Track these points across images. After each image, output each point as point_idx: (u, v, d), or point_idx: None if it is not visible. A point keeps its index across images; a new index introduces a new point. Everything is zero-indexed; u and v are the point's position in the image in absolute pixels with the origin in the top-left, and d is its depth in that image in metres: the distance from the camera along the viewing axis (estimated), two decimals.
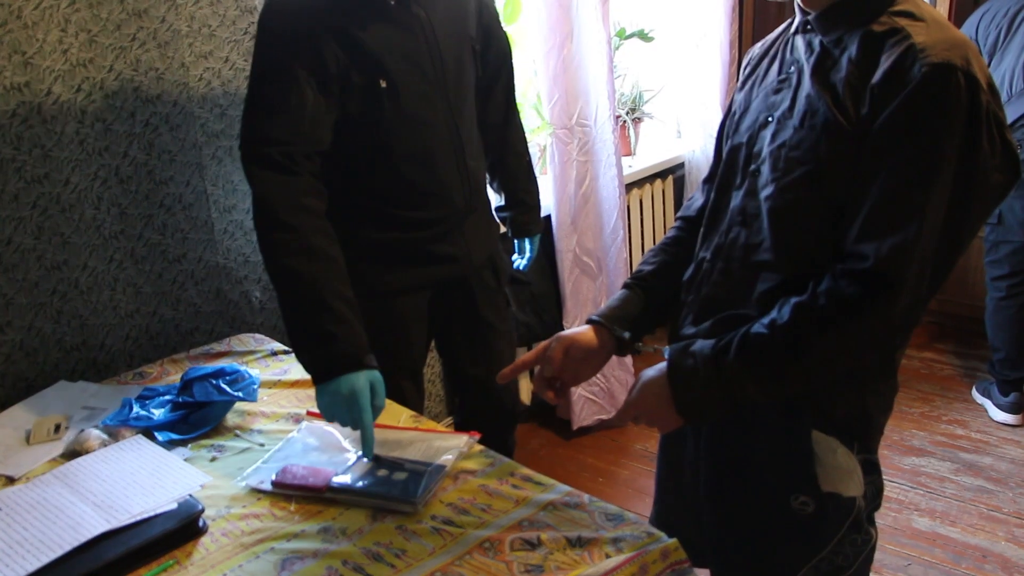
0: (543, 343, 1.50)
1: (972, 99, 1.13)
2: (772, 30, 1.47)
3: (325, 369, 1.57)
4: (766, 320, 1.23)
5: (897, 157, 1.14)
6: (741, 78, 1.46)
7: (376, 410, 1.59)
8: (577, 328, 1.50)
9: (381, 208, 1.87)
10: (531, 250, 2.36)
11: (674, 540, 1.33)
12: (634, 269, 1.60)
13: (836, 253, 1.21)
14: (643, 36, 3.55)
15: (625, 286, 1.55)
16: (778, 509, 1.35)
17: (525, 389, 3.24)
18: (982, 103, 1.13)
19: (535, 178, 2.30)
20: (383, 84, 1.73)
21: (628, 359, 3.26)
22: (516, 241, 2.35)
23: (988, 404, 3.28)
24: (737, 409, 1.26)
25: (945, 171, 1.13)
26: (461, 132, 1.88)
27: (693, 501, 1.51)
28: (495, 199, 2.28)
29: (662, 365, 1.32)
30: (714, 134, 3.48)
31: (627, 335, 1.48)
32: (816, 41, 1.26)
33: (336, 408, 1.56)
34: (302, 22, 1.67)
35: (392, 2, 1.73)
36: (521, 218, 2.29)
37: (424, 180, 1.85)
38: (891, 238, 1.14)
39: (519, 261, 2.38)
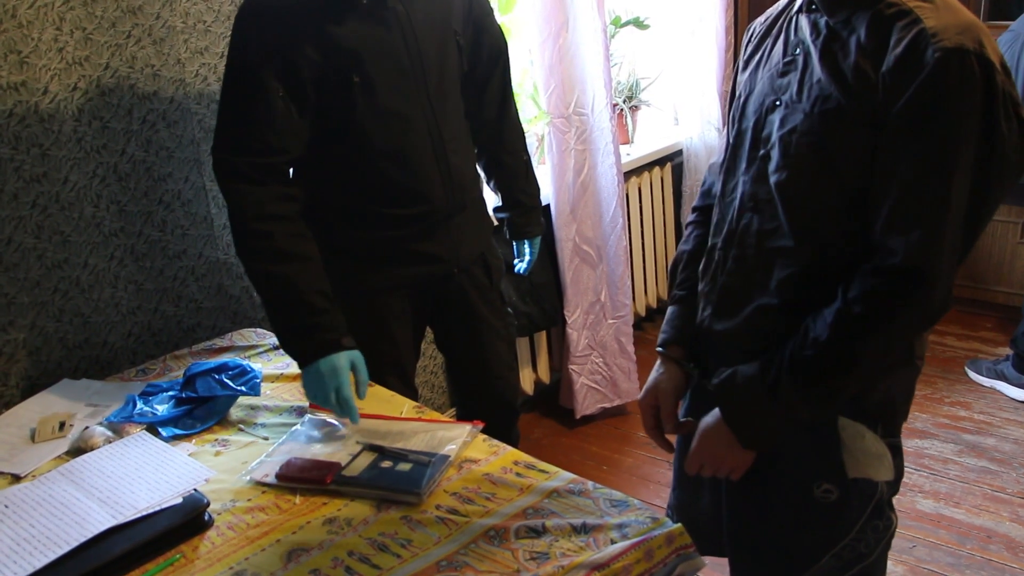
0: (646, 401, 1.52)
1: (987, 82, 1.12)
2: (771, 4, 1.44)
3: (309, 355, 1.67)
4: (807, 340, 1.22)
5: (916, 146, 1.14)
6: (744, 57, 1.44)
7: (360, 384, 1.68)
8: (660, 373, 1.51)
9: (360, 205, 1.86)
10: (531, 253, 2.31)
11: (679, 525, 1.34)
12: (671, 272, 1.59)
13: (854, 237, 1.21)
14: (638, 24, 3.54)
15: (677, 300, 1.55)
16: (801, 497, 1.35)
17: (527, 379, 3.24)
18: (997, 85, 1.12)
19: (534, 178, 2.25)
20: (356, 79, 1.72)
21: (630, 347, 3.27)
22: (515, 244, 2.31)
23: (1000, 384, 3.26)
24: (794, 428, 1.28)
25: (966, 157, 1.13)
26: (442, 128, 1.85)
27: (712, 490, 1.51)
28: (493, 199, 2.26)
29: (716, 411, 1.34)
30: (712, 120, 3.45)
31: (697, 372, 1.49)
32: (822, 22, 1.24)
33: (318, 386, 1.65)
34: (276, 25, 1.66)
35: (364, 3, 1.70)
36: (519, 220, 2.24)
37: (401, 177, 1.84)
38: (918, 229, 1.14)
39: (519, 265, 2.33)
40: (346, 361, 1.67)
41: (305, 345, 1.68)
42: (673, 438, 1.54)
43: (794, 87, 1.26)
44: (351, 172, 1.83)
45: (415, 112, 1.81)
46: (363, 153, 1.80)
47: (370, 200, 1.85)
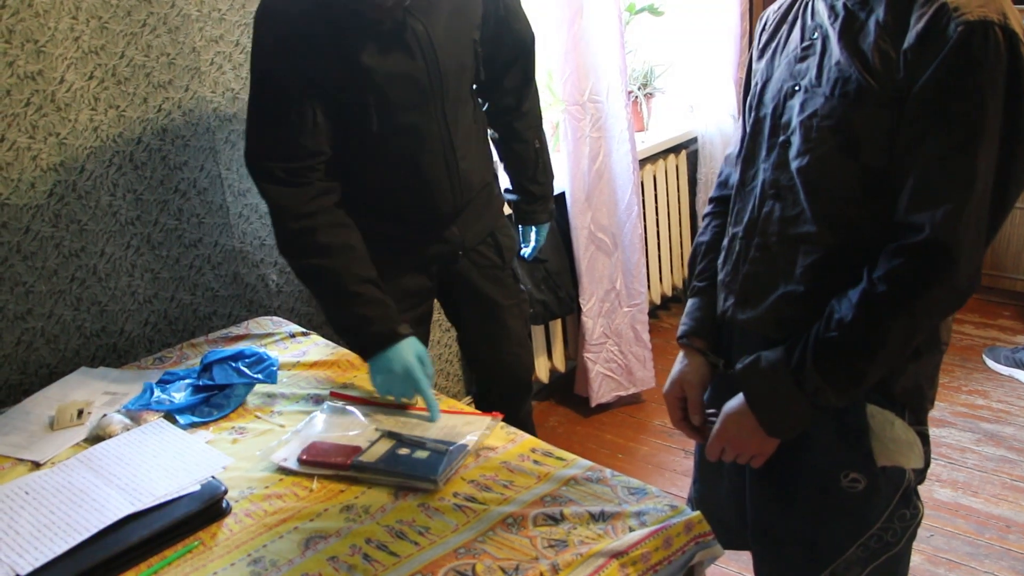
0: (672, 393, 1.51)
1: (1013, 54, 1.10)
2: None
3: (369, 348, 1.72)
4: (832, 321, 1.21)
5: (941, 122, 1.12)
6: (759, 45, 1.42)
7: (428, 377, 1.71)
8: (684, 365, 1.50)
9: (369, 202, 1.89)
10: (536, 239, 2.31)
11: (697, 513, 1.33)
12: (690, 263, 1.58)
13: (878, 220, 1.19)
14: (653, 11, 3.52)
15: (697, 292, 1.53)
16: (827, 487, 1.34)
17: (542, 367, 3.24)
18: (1023, 56, 1.10)
19: (547, 168, 2.23)
20: (371, 99, 1.72)
21: (646, 335, 3.26)
22: (521, 228, 2.31)
23: (1019, 373, 3.22)
24: (820, 414, 1.26)
25: (991, 131, 1.11)
26: (454, 139, 1.87)
27: (735, 481, 1.50)
28: (504, 178, 2.26)
29: (740, 396, 1.33)
30: (727, 108, 3.41)
31: (721, 363, 1.47)
32: (840, 4, 1.22)
33: (392, 384, 1.70)
34: (297, 35, 1.65)
35: (385, 25, 1.68)
36: (525, 207, 2.25)
37: (411, 185, 1.86)
38: (944, 205, 1.12)
39: (524, 250, 2.34)
40: (414, 356, 1.70)
41: (361, 339, 1.73)
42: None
43: (813, 71, 1.25)
44: (363, 175, 1.85)
45: (429, 126, 1.82)
46: (376, 161, 1.83)
47: (379, 201, 1.89)
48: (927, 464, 1.37)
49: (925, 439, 1.34)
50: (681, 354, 1.52)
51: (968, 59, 1.09)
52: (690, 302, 1.53)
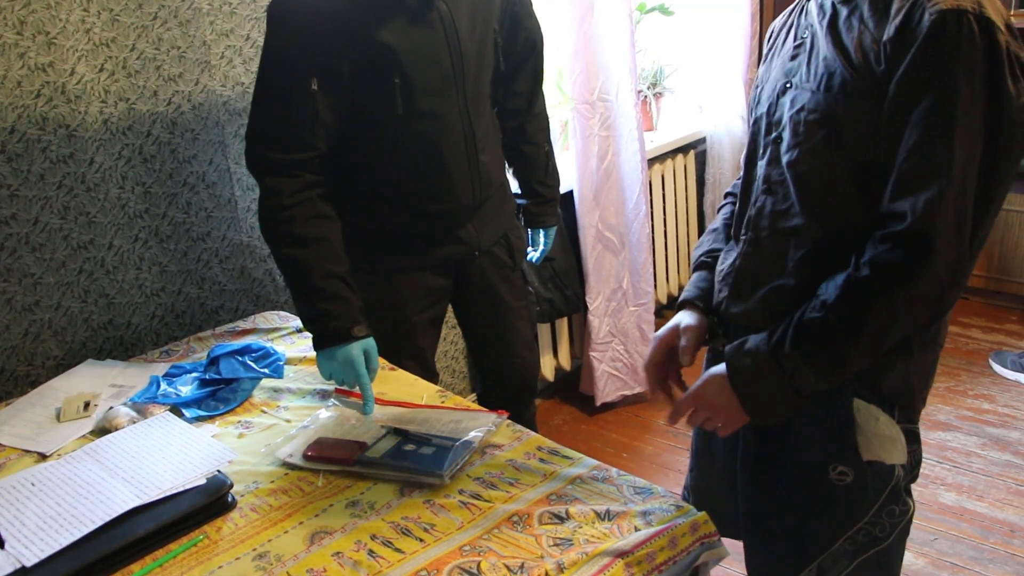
0: (663, 336, 1.48)
1: (988, 41, 1.10)
2: (792, 2, 1.46)
3: (322, 341, 1.74)
4: (816, 303, 1.21)
5: (918, 111, 1.13)
6: (764, 51, 1.46)
7: (371, 372, 1.74)
8: (688, 316, 1.48)
9: (390, 195, 1.88)
10: (545, 243, 2.33)
11: (703, 513, 1.33)
12: (695, 247, 1.59)
13: (866, 213, 1.20)
14: (663, 10, 3.51)
15: (700, 265, 1.54)
16: (816, 480, 1.34)
17: (548, 365, 3.24)
18: (1000, 44, 1.11)
19: (555, 170, 2.27)
20: (396, 80, 1.73)
21: (652, 334, 3.25)
22: (530, 232, 2.32)
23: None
24: (804, 401, 1.26)
25: (970, 117, 1.11)
26: (475, 128, 1.87)
27: (728, 472, 1.51)
28: (513, 183, 2.26)
29: (723, 366, 1.32)
30: (736, 109, 3.44)
31: (721, 331, 1.47)
32: (828, 2, 1.26)
33: (334, 371, 1.74)
34: (314, 18, 1.66)
35: (412, 2, 1.69)
36: (535, 210, 2.27)
37: (433, 174, 1.86)
38: (924, 193, 1.13)
39: (532, 254, 2.35)
40: (359, 351, 1.71)
41: (318, 330, 1.74)
42: (677, 391, 1.50)
43: (803, 68, 1.28)
44: (384, 164, 1.84)
45: (452, 112, 1.82)
46: (398, 149, 1.82)
47: (400, 192, 1.87)
48: (917, 462, 1.38)
49: (915, 437, 1.36)
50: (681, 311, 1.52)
51: (940, 47, 1.10)
52: (694, 275, 1.55)
